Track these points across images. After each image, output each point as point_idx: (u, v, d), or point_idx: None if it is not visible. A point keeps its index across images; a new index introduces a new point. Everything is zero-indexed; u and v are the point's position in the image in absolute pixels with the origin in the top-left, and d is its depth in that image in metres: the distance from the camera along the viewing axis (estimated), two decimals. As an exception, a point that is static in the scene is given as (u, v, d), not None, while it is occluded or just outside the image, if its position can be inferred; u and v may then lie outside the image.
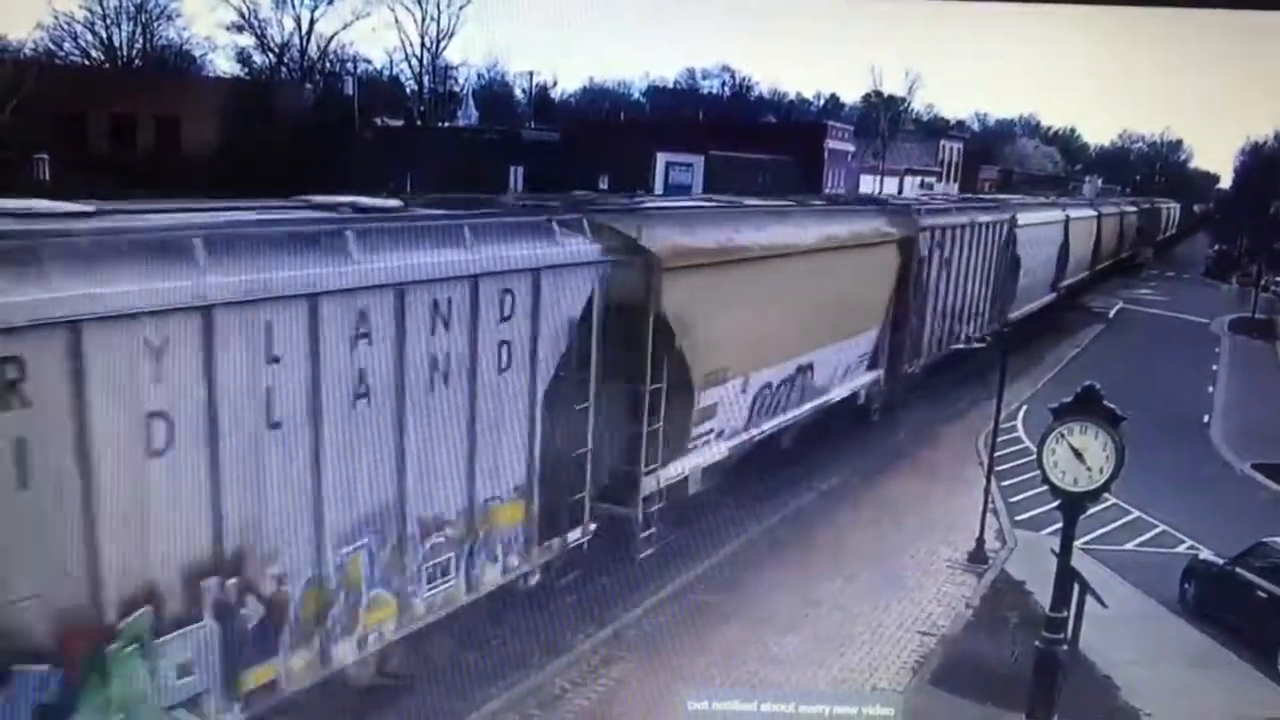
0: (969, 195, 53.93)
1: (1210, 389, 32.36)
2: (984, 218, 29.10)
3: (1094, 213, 46.43)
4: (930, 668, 13.44)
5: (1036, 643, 11.08)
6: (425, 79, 56.61)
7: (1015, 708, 11.38)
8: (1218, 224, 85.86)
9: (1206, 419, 28.47)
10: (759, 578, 15.53)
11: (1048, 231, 36.45)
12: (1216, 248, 77.83)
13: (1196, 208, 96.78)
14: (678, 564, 15.35)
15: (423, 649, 11.65)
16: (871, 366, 22.43)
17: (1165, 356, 37.81)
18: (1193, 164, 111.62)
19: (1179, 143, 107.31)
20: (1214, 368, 36.03)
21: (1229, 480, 23.30)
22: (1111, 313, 49.60)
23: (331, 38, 57.47)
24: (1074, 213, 40.96)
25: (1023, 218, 32.16)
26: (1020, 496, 19.71)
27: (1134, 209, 61.93)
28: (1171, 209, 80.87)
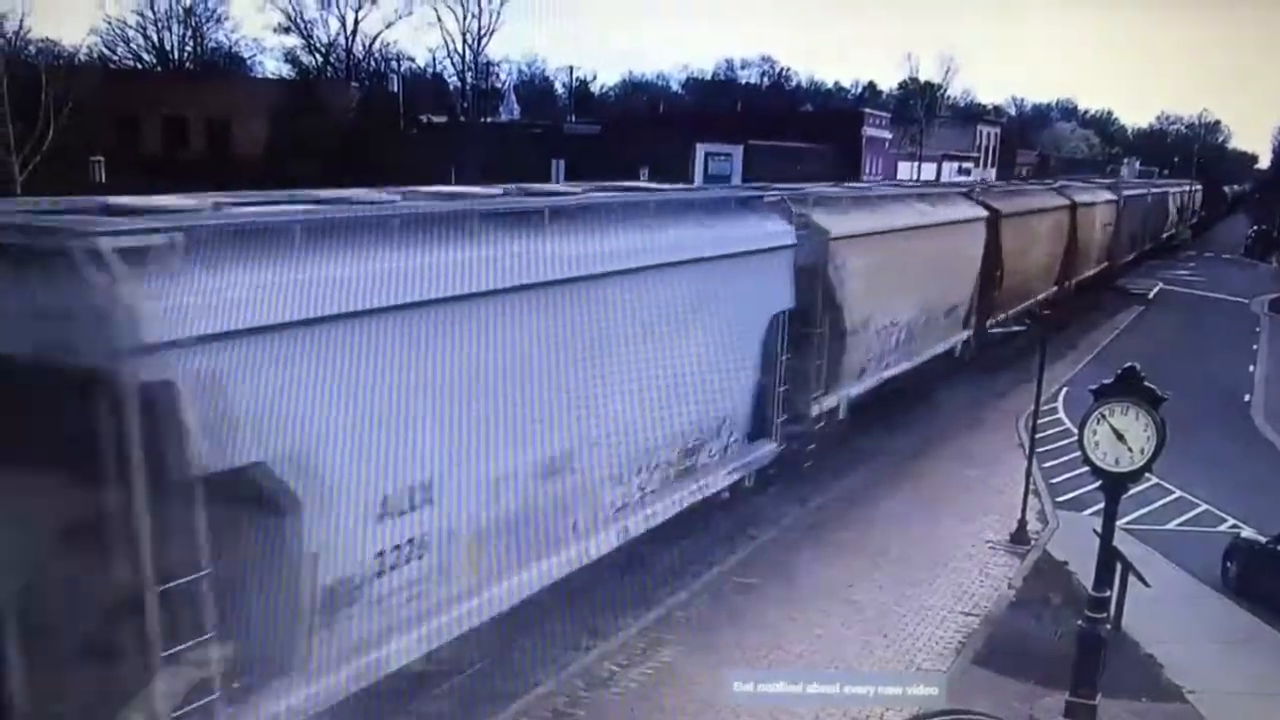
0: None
1: (1251, 368, 32.27)
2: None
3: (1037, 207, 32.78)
4: (974, 647, 13.66)
5: (1079, 622, 11.15)
6: (467, 75, 57.08)
7: (1059, 687, 11.44)
8: (1257, 204, 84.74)
9: (1247, 398, 28.45)
10: (798, 563, 15.80)
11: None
12: (1255, 228, 76.97)
13: (1228, 189, 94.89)
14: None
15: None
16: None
17: (1205, 336, 37.68)
18: (1231, 144, 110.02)
19: (1217, 124, 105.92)
20: (1254, 347, 35.92)
21: (1271, 458, 23.31)
22: (1151, 294, 49.37)
23: (376, 37, 58.14)
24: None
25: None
26: (1062, 477, 19.92)
27: (1113, 197, 46.61)
28: (1190, 192, 77.45)
